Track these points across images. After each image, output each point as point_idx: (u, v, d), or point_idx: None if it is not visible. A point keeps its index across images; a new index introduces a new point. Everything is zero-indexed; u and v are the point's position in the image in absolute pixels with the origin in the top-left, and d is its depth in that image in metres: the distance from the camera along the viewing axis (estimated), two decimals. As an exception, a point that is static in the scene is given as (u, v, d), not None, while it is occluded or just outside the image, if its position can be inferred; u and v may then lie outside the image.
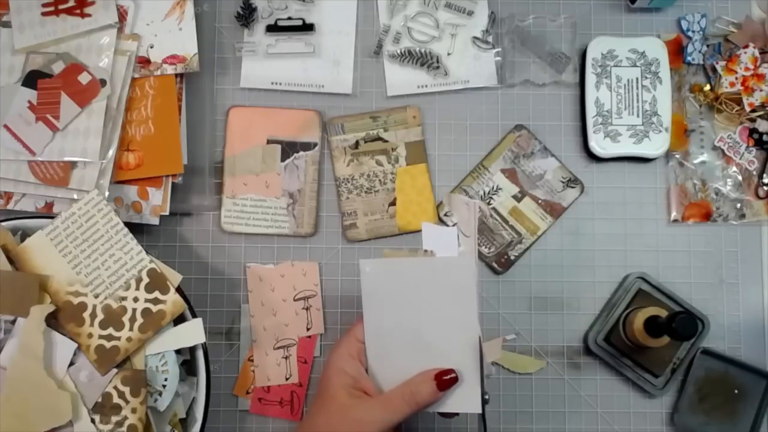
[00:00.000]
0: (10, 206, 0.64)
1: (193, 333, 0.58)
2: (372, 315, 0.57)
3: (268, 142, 0.69)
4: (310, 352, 0.68)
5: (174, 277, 0.59)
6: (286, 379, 0.67)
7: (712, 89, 0.71)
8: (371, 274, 0.56)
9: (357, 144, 0.69)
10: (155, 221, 0.66)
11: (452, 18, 0.71)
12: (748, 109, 0.70)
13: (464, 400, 0.54)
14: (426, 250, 0.60)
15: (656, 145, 0.69)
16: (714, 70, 0.71)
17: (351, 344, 0.57)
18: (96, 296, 0.58)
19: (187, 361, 0.61)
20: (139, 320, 0.57)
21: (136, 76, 0.66)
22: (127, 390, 0.56)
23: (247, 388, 0.68)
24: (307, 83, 0.71)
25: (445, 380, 0.54)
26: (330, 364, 0.57)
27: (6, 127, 0.63)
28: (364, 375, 0.56)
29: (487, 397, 0.54)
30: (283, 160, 0.69)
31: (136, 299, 0.58)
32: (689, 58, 0.71)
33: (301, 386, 0.67)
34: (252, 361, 0.68)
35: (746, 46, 0.70)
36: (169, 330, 0.58)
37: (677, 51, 0.72)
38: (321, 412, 0.55)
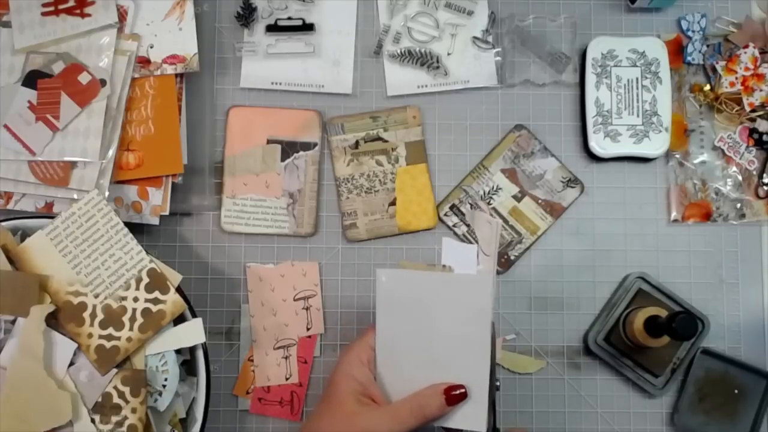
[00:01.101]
0: (10, 206, 0.64)
1: (193, 333, 0.58)
2: (384, 324, 0.56)
3: (268, 142, 0.69)
4: (310, 352, 0.68)
5: (174, 277, 0.59)
6: (286, 379, 0.67)
7: (712, 89, 0.71)
8: (387, 284, 0.56)
9: (357, 144, 0.69)
10: (155, 221, 0.66)
11: (452, 18, 0.71)
12: (748, 109, 0.70)
13: (470, 418, 0.54)
14: (444, 265, 0.59)
15: (656, 145, 0.69)
16: (714, 70, 0.71)
17: (363, 350, 0.56)
18: (96, 296, 0.58)
19: (187, 361, 0.61)
20: (139, 320, 0.57)
21: (136, 76, 0.66)
22: (127, 390, 0.56)
23: (247, 388, 0.68)
24: (307, 83, 0.71)
25: (454, 395, 0.54)
26: (339, 369, 0.56)
27: (6, 127, 0.63)
28: (372, 383, 0.56)
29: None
30: (283, 160, 0.69)
31: (136, 299, 0.58)
32: (689, 58, 0.71)
33: (301, 386, 0.67)
34: (252, 361, 0.67)
35: (746, 46, 0.70)
36: (169, 330, 0.58)
37: (677, 51, 0.72)
38: (326, 416, 0.55)
